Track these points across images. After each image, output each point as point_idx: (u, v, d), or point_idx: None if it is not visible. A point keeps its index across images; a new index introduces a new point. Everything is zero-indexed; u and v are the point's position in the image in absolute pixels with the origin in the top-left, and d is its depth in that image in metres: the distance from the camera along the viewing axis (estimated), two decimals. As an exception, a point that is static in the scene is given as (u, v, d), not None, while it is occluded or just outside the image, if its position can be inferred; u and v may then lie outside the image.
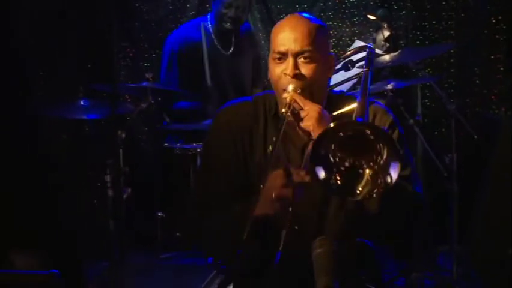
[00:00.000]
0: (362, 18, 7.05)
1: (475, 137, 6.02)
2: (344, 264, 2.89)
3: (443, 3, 6.89)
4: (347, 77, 5.91)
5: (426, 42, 6.92)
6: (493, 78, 6.89)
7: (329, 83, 3.55)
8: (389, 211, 3.25)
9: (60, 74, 6.48)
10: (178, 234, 6.01)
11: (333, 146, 2.99)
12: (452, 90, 6.67)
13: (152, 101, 5.70)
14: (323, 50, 3.40)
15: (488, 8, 6.80)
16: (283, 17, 6.44)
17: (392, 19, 6.69)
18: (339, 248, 2.75)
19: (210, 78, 6.30)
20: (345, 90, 6.34)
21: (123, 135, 5.47)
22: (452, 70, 6.82)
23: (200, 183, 3.81)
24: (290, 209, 3.24)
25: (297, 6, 7.09)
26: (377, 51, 6.29)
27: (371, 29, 6.84)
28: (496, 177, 6.15)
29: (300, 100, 3.27)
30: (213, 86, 6.36)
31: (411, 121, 5.81)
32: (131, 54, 7.10)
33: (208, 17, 6.45)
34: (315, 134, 3.16)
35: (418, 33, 6.97)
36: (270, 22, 7.05)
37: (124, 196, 5.46)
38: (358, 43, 6.74)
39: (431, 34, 6.94)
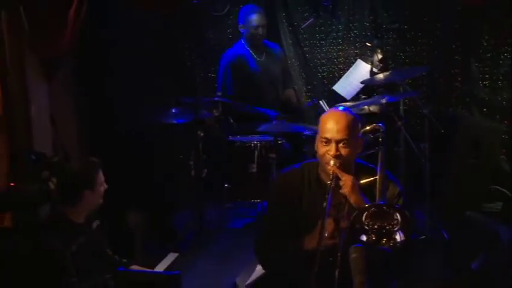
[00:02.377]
0: (362, 44, 7.36)
1: (442, 131, 6.46)
2: (371, 265, 3.43)
3: (419, 34, 7.25)
4: (353, 87, 6.97)
5: (407, 60, 7.27)
6: (453, 86, 7.28)
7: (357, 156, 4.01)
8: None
9: (158, 92, 7.02)
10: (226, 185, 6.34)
11: (365, 216, 3.51)
12: (424, 101, 6.85)
13: (221, 110, 6.29)
14: (355, 136, 3.93)
15: (450, 37, 7.13)
16: (307, 43, 7.46)
17: (383, 46, 7.04)
18: (367, 254, 3.40)
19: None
20: (348, 98, 7.03)
21: (202, 134, 6.17)
22: (424, 83, 7.19)
23: (265, 225, 4.31)
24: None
25: (317, 36, 7.41)
26: (374, 69, 6.74)
27: (368, 52, 7.11)
28: (457, 157, 6.88)
29: (339, 172, 3.80)
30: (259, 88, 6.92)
31: (399, 123, 6.30)
32: (202, 74, 7.44)
33: (242, 40, 7.00)
34: (349, 197, 3.77)
35: (402, 55, 7.34)
36: (298, 46, 7.46)
37: (203, 175, 6.19)
38: (359, 61, 7.19)
39: (410, 56, 7.32)
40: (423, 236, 6.28)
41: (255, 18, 6.83)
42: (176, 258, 4.97)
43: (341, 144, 3.87)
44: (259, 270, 4.75)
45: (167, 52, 7.31)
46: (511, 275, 5.41)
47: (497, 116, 7.22)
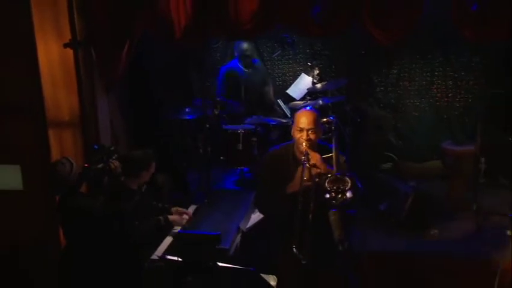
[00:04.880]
0: (305, 63, 6.95)
1: (358, 120, 6.45)
2: (343, 224, 3.39)
3: (340, 57, 6.93)
4: (301, 91, 6.80)
5: (333, 75, 6.94)
6: (362, 91, 6.95)
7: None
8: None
9: (175, 95, 6.70)
10: (222, 158, 6.17)
11: (327, 182, 3.50)
12: (346, 101, 6.46)
13: (220, 110, 5.96)
14: (318, 126, 3.93)
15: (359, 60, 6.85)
16: (269, 63, 7.02)
17: (318, 65, 6.70)
18: (341, 216, 3.39)
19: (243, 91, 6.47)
20: (298, 99, 6.78)
21: (207, 125, 5.82)
22: (345, 90, 6.69)
23: (259, 186, 4.21)
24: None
25: (276, 57, 7.01)
26: (314, 81, 6.51)
27: (309, 69, 6.72)
28: (366, 135, 6.71)
29: (309, 150, 3.78)
30: (244, 93, 6.49)
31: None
32: (208, 83, 7.09)
33: (236, 59, 6.57)
34: (318, 166, 3.72)
35: (330, 71, 6.99)
36: (269, 63, 7.09)
37: (209, 151, 5.84)
38: (303, 75, 6.88)
39: (335, 72, 6.97)
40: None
41: (244, 46, 6.48)
42: (195, 209, 4.82)
43: (310, 132, 3.86)
44: (253, 218, 4.67)
45: (180, 71, 6.94)
46: (405, 213, 5.36)
47: (388, 109, 7.05)
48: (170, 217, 4.44)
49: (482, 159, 5.69)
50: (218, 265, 3.12)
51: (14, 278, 4.36)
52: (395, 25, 4.55)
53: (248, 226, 4.55)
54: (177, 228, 4.41)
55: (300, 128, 3.89)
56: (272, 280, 3.12)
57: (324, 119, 4.13)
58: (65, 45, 4.44)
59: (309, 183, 3.69)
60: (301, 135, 3.88)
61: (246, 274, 3.11)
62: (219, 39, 6.89)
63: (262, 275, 3.11)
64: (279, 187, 3.88)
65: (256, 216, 4.65)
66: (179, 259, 3.27)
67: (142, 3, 4.73)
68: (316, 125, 3.92)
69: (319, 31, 4.67)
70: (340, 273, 3.10)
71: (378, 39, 4.64)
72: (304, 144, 3.84)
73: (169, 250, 3.87)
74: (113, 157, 4.22)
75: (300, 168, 3.76)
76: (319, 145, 3.95)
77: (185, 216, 4.54)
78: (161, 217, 4.37)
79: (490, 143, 5.89)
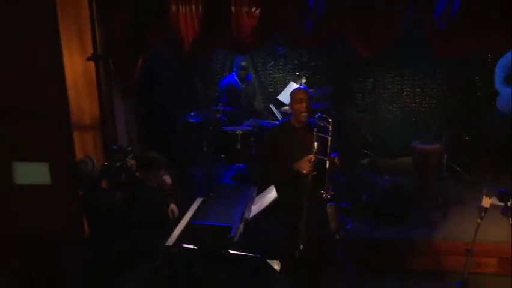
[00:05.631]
0: (293, 73, 6.91)
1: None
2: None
3: (326, 68, 6.85)
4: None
5: (319, 83, 6.81)
6: (343, 98, 6.80)
7: None
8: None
9: (182, 101, 6.53)
10: (222, 155, 6.05)
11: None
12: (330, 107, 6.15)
13: (222, 115, 6.01)
14: (310, 98, 4.15)
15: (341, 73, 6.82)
16: (262, 73, 6.85)
17: (305, 74, 6.59)
18: (337, 209, 3.37)
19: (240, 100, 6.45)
20: (287, 103, 6.17)
21: (210, 127, 5.88)
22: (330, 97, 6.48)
23: (261, 157, 4.33)
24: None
25: (269, 67, 6.96)
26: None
27: (297, 78, 6.56)
28: (347, 135, 6.45)
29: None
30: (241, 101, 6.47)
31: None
32: (210, 90, 6.94)
33: (234, 74, 6.52)
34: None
35: (317, 80, 6.88)
36: (258, 74, 6.98)
37: (212, 149, 5.95)
38: (292, 83, 6.61)
39: (320, 81, 6.86)
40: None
41: (242, 64, 6.43)
42: (201, 202, 4.56)
43: (307, 102, 4.03)
44: (254, 209, 4.34)
45: (186, 79, 6.83)
46: (384, 203, 5.34)
47: (365, 113, 6.98)
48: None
49: (445, 156, 5.68)
50: (229, 252, 3.08)
51: (42, 261, 4.31)
52: (376, 39, 4.51)
53: (251, 216, 4.37)
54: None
55: (300, 98, 4.05)
56: (276, 265, 3.07)
57: (322, 116, 4.11)
58: (88, 59, 4.38)
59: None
60: (301, 105, 4.03)
61: (254, 260, 3.08)
62: (222, 52, 6.76)
63: (268, 261, 3.07)
64: (281, 156, 3.99)
65: (256, 207, 4.43)
66: (195, 247, 3.23)
67: (155, 21, 4.66)
68: (310, 99, 4.11)
69: (311, 42, 4.66)
70: (337, 259, 3.03)
71: (361, 51, 4.61)
72: (304, 113, 3.99)
73: (184, 239, 3.77)
74: (130, 156, 4.19)
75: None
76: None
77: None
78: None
79: (451, 142, 5.89)
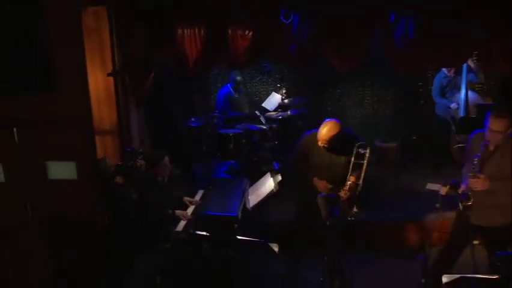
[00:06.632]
0: (275, 84, 6.76)
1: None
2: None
3: (303, 79, 6.69)
4: (273, 104, 6.48)
5: (297, 93, 6.52)
6: (316, 106, 6.66)
7: None
8: None
9: (186, 109, 6.41)
10: (218, 154, 5.86)
11: None
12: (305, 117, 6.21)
13: (218, 119, 5.88)
14: (333, 140, 3.69)
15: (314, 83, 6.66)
16: (248, 84, 6.67)
17: (285, 86, 6.47)
18: (326, 200, 3.26)
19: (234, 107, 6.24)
20: (271, 110, 6.36)
21: (208, 130, 5.75)
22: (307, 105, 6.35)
23: (293, 161, 4.00)
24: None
25: (253, 80, 6.78)
26: (282, 97, 6.23)
27: (278, 88, 6.49)
28: None
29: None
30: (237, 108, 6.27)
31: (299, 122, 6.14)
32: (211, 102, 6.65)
33: (229, 85, 6.30)
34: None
35: (295, 91, 6.51)
36: (245, 86, 6.64)
37: (206, 149, 5.78)
38: (274, 93, 6.51)
39: (297, 92, 6.61)
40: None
41: (237, 79, 6.26)
42: (203, 193, 4.60)
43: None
44: (252, 199, 4.25)
45: (187, 90, 6.67)
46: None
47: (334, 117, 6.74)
48: (177, 212, 4.14)
49: (400, 152, 5.86)
50: (237, 238, 3.00)
51: (68, 248, 4.11)
52: (350, 57, 4.47)
53: (251, 206, 4.26)
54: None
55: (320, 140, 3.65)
56: (275, 247, 2.98)
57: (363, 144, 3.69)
58: (108, 75, 4.25)
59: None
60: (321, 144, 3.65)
61: (257, 244, 2.98)
62: (217, 68, 6.58)
63: (270, 244, 2.97)
64: (305, 161, 3.74)
65: (254, 198, 4.28)
66: (207, 234, 3.14)
67: (164, 41, 4.56)
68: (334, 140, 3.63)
69: (295, 61, 4.59)
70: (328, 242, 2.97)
71: (337, 67, 4.57)
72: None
73: (195, 226, 3.67)
74: (140, 157, 4.09)
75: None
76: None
77: (187, 214, 4.17)
78: (170, 210, 4.11)
79: (403, 141, 6.09)
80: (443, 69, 5.52)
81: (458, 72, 5.39)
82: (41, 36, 3.23)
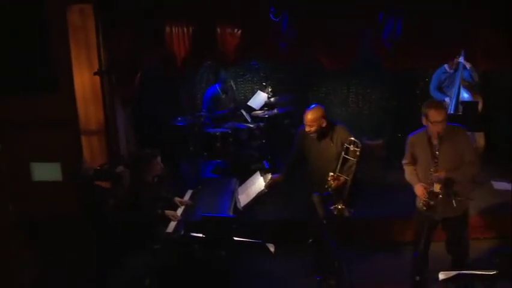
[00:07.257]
0: (260, 83, 6.63)
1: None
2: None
3: (289, 79, 6.71)
4: (258, 103, 6.45)
5: (282, 92, 6.51)
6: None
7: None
8: None
9: (173, 108, 6.27)
10: (205, 154, 5.78)
11: None
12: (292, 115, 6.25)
13: (205, 119, 5.79)
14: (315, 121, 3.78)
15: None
16: (234, 82, 6.56)
17: (271, 84, 6.41)
18: (322, 199, 3.21)
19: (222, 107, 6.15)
20: (257, 108, 6.32)
21: (195, 129, 5.68)
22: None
23: (291, 153, 4.07)
24: None
25: (239, 79, 6.71)
26: (268, 96, 6.23)
27: (264, 87, 6.43)
28: None
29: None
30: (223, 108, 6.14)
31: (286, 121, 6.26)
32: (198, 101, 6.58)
33: (217, 85, 6.19)
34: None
35: (281, 89, 6.58)
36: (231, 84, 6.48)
37: (193, 148, 5.70)
38: (259, 92, 6.47)
39: (283, 90, 6.58)
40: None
41: (224, 78, 6.18)
42: (192, 193, 4.47)
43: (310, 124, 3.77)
44: (242, 199, 4.19)
45: (176, 90, 6.60)
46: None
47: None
48: (167, 212, 3.99)
49: (386, 149, 5.82)
50: (234, 239, 2.95)
51: (54, 243, 4.12)
52: (339, 54, 4.48)
53: (242, 206, 4.18)
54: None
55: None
56: (271, 247, 2.95)
57: (353, 140, 3.75)
58: (94, 74, 4.17)
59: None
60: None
61: (254, 244, 2.94)
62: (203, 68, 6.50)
63: (266, 244, 2.93)
64: (298, 151, 3.90)
65: (244, 197, 4.20)
66: (203, 235, 3.07)
67: (152, 40, 4.49)
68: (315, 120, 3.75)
69: (285, 59, 4.58)
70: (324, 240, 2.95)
71: (327, 64, 4.57)
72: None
73: (189, 228, 3.58)
74: (121, 163, 4.10)
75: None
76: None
77: (177, 215, 4.02)
78: (159, 211, 3.96)
79: (389, 139, 6.05)
80: (445, 65, 5.50)
81: (457, 69, 5.43)
82: (40, 36, 3.26)
